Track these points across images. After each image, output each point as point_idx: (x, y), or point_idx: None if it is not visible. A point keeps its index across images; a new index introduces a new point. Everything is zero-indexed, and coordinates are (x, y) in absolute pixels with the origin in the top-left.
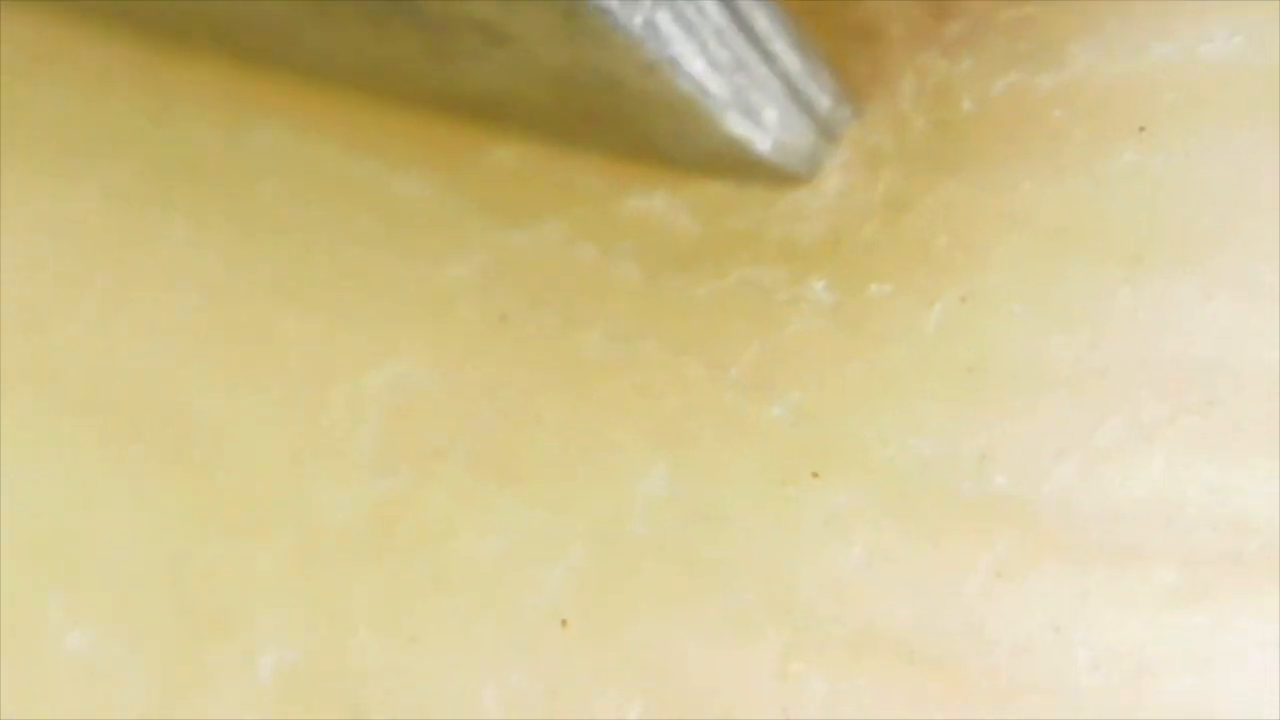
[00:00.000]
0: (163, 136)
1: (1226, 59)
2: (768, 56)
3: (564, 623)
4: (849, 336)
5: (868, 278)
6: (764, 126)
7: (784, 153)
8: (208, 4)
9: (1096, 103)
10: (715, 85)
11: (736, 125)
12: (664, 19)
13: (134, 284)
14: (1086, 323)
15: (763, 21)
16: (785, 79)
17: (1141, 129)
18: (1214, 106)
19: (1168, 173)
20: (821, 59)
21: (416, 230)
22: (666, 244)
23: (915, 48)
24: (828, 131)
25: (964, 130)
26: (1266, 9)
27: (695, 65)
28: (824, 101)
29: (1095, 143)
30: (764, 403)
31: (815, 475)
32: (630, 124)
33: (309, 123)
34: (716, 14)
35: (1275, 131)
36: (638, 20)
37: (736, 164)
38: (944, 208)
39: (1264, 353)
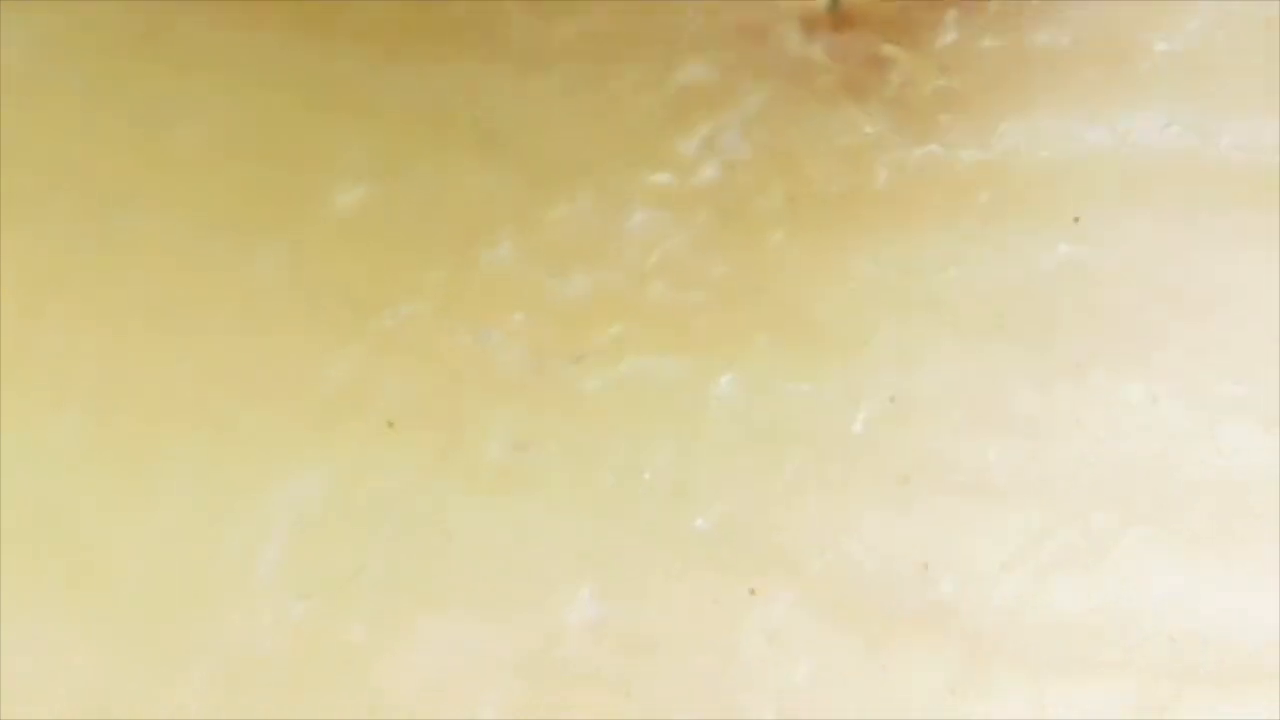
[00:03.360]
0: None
1: (1163, 148)
2: None
3: None
4: (767, 440)
5: (779, 375)
6: None
7: None
8: None
9: (1027, 188)
10: None
11: None
12: None
13: (8, 405)
14: (1028, 429)
15: None
16: None
17: (1076, 219)
18: (1151, 198)
19: (1105, 267)
20: None
21: (282, 320)
22: (541, 315)
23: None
24: None
25: (879, 200)
26: (1199, 99)
27: None
28: None
29: (1028, 233)
30: (685, 514)
31: (752, 592)
32: None
33: (168, 200)
34: None
35: (1214, 224)
36: None
37: None
38: (860, 289)
39: (1210, 458)
